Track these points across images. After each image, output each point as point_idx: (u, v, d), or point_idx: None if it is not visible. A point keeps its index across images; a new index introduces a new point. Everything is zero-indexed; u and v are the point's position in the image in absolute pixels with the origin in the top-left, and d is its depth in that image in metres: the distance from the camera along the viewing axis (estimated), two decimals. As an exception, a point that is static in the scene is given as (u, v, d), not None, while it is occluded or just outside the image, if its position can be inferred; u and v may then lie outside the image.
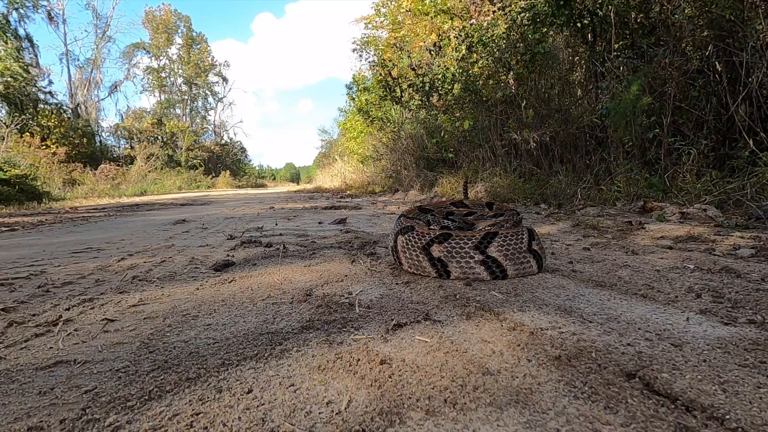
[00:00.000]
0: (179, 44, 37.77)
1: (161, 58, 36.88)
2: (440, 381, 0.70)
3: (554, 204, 4.12)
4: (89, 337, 1.00)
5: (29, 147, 15.18)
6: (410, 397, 0.65)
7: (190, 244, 2.56)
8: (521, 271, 1.44)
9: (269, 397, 0.67)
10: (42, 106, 21.13)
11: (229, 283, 1.49)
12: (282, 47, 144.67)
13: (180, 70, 38.06)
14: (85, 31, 36.25)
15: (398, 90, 9.91)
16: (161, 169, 24.13)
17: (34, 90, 20.88)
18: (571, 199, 4.11)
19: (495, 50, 5.75)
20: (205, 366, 0.79)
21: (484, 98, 6.10)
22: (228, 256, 2.02)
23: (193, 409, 0.64)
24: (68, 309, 1.23)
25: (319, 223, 3.55)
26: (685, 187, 3.17)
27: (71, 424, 0.62)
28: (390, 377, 0.72)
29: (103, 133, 29.08)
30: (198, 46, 38.81)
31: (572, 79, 5.35)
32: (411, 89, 9.15)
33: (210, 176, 29.66)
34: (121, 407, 0.66)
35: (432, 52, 8.65)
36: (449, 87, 7.11)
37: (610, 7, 4.21)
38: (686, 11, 3.64)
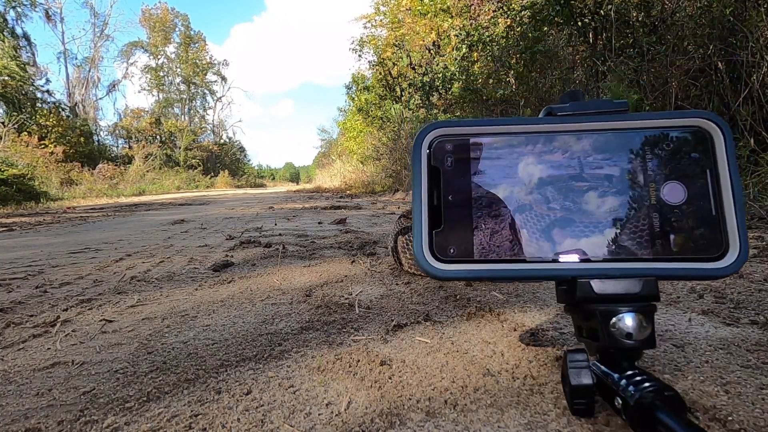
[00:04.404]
0: (177, 43, 37.68)
1: (159, 56, 36.79)
2: (441, 382, 0.69)
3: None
4: (87, 338, 1.00)
5: (27, 146, 15.14)
6: (410, 399, 0.64)
7: (189, 244, 2.55)
8: (521, 270, 1.43)
9: (268, 399, 0.66)
10: (40, 105, 21.07)
11: (228, 283, 1.48)
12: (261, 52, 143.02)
13: (178, 69, 37.97)
14: (83, 29, 36.19)
15: (398, 89, 9.89)
16: (160, 168, 24.08)
17: (31, 89, 20.82)
18: (570, 199, 4.10)
19: (495, 49, 5.74)
20: (203, 367, 0.79)
21: (485, 97, 6.09)
22: (227, 256, 2.02)
23: (192, 411, 0.63)
24: (66, 310, 1.23)
25: (319, 223, 3.54)
26: (685, 187, 3.16)
27: (69, 426, 0.61)
28: (390, 378, 0.71)
29: (102, 133, 29.03)
30: (196, 45, 38.71)
31: (573, 78, 5.34)
32: (411, 88, 9.13)
33: (209, 176, 29.63)
34: (119, 408, 0.65)
35: (432, 51, 8.64)
36: (449, 86, 7.10)
37: (610, 6, 4.20)
38: (687, 10, 3.63)
